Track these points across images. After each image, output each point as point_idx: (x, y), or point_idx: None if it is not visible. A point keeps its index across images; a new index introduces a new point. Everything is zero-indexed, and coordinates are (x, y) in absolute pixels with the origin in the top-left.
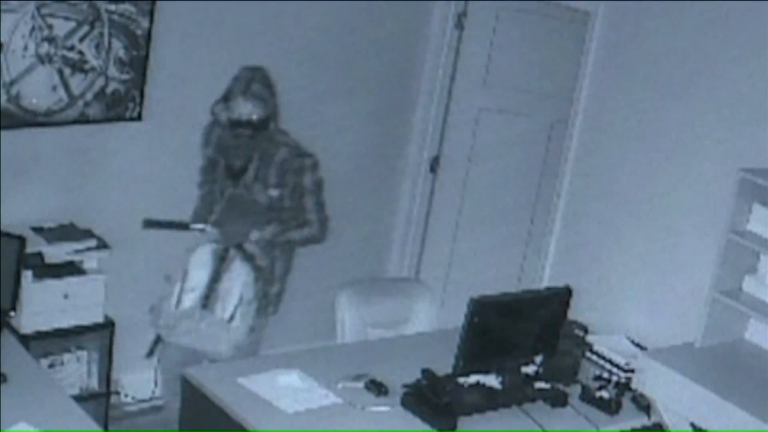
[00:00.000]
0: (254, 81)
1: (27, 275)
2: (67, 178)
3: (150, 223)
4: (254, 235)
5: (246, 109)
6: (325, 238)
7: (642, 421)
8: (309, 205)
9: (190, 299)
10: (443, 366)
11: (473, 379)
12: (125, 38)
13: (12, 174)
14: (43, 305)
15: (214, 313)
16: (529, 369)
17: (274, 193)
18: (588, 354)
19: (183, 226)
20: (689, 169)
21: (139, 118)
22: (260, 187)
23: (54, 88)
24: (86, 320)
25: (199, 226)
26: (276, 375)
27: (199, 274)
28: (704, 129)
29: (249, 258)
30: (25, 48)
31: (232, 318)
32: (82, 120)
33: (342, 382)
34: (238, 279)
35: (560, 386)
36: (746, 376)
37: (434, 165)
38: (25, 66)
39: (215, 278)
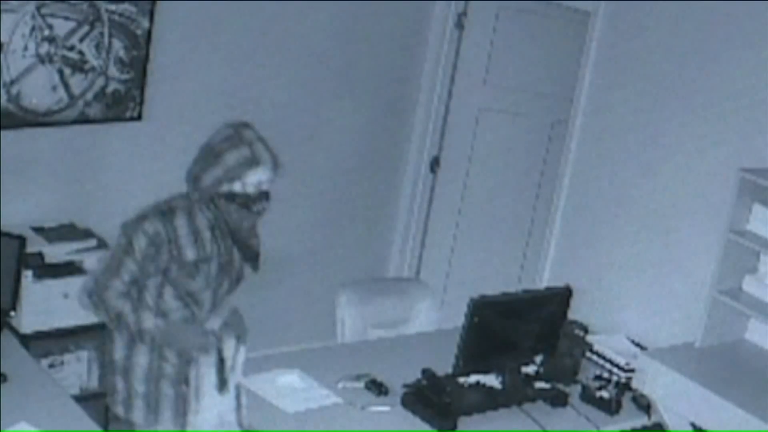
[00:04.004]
0: (262, 138)
1: (27, 275)
2: (67, 178)
3: None
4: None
5: (274, 174)
6: None
7: (642, 421)
8: None
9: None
10: (443, 366)
11: (473, 379)
12: (125, 38)
13: (12, 174)
14: (43, 305)
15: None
16: (529, 369)
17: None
18: (588, 354)
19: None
20: (689, 169)
21: (139, 118)
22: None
23: (54, 88)
24: (86, 320)
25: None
26: (276, 375)
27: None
28: (704, 129)
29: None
30: (25, 48)
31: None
32: (82, 120)
33: (342, 382)
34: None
35: (560, 386)
36: (746, 376)
37: (434, 165)
38: (25, 66)
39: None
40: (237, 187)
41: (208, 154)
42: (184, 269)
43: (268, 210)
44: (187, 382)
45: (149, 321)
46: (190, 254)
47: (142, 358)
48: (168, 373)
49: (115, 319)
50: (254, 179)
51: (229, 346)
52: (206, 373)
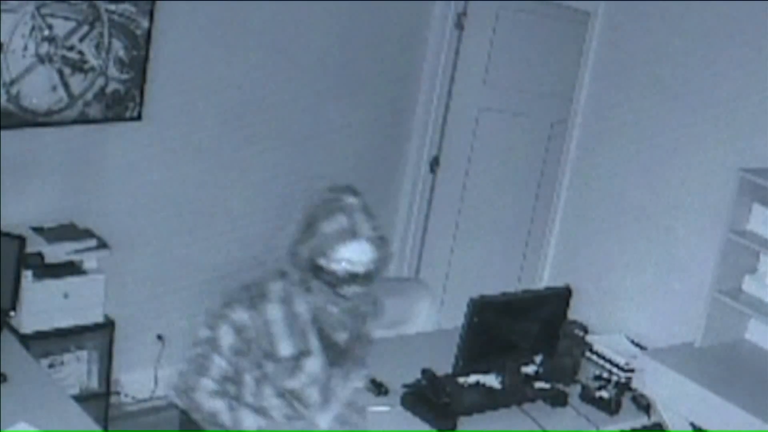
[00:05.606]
0: (367, 209)
1: (27, 275)
2: (67, 178)
3: None
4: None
5: (373, 255)
6: None
7: (642, 421)
8: None
9: None
10: (443, 366)
11: (473, 379)
12: (125, 38)
13: (12, 174)
14: (43, 305)
15: None
16: (529, 369)
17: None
18: (588, 354)
19: None
20: (689, 169)
21: (139, 118)
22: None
23: (54, 88)
24: (86, 320)
25: None
26: None
27: None
28: (704, 129)
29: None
30: (25, 48)
31: None
32: (82, 120)
33: None
34: None
35: (560, 386)
36: (746, 376)
37: (434, 165)
38: (25, 66)
39: None
40: (324, 261)
41: (304, 223)
42: (280, 365)
43: (360, 298)
44: None
45: (248, 421)
46: (285, 349)
47: None
48: None
49: (209, 420)
50: (345, 255)
51: None
52: None
